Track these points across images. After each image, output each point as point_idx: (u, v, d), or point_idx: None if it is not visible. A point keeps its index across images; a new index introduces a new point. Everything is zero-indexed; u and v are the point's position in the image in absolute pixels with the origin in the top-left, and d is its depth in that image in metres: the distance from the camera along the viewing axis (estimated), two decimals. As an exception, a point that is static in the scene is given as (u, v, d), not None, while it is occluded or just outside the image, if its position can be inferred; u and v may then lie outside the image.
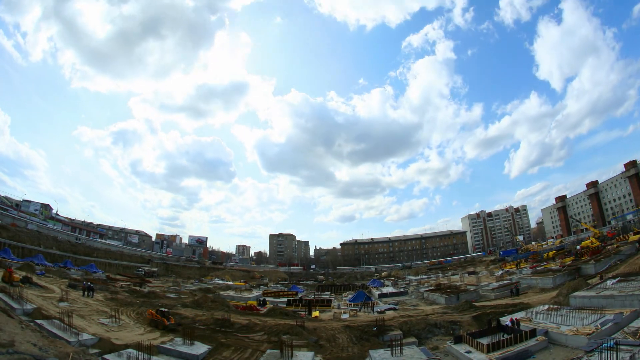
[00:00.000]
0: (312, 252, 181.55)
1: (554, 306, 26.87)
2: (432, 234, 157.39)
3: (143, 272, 74.95)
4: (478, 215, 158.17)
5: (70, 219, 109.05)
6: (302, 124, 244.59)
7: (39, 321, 18.49)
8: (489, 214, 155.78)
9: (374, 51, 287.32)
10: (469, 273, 78.13)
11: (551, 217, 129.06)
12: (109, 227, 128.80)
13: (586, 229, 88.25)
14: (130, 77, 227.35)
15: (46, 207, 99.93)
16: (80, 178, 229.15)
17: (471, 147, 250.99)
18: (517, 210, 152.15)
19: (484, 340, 19.55)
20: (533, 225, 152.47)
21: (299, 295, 54.92)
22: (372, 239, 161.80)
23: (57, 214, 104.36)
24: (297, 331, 25.84)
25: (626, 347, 14.76)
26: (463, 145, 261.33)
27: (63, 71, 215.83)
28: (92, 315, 24.80)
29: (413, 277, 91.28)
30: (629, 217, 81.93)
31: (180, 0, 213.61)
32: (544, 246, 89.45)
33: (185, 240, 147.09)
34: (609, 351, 14.06)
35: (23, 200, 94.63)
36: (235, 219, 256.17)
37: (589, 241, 62.66)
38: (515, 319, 23.20)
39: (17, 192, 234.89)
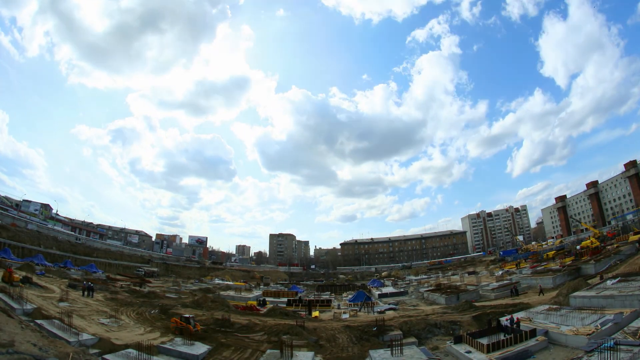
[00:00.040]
0: (312, 252, 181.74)
1: (554, 306, 26.86)
2: (432, 234, 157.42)
3: (143, 272, 74.93)
4: (478, 215, 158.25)
5: (70, 219, 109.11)
6: (304, 121, 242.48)
7: (39, 321, 18.48)
8: (489, 214, 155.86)
9: (379, 46, 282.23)
10: (469, 273, 78.12)
11: (551, 217, 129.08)
12: (109, 227, 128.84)
13: (586, 229, 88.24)
14: (128, 72, 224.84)
15: (46, 207, 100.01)
16: (79, 177, 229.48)
17: (474, 146, 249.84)
18: (517, 210, 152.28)
19: (484, 340, 19.54)
20: (533, 225, 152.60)
21: (299, 295, 54.90)
22: (372, 239, 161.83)
23: (57, 214, 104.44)
24: (297, 331, 25.84)
25: (626, 347, 14.75)
26: (466, 143, 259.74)
27: (60, 67, 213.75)
28: (92, 315, 24.80)
29: (413, 277, 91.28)
30: (629, 217, 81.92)
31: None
32: (544, 246, 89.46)
33: (185, 240, 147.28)
34: (609, 351, 14.05)
35: (23, 200, 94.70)
36: (236, 219, 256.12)
37: (589, 241, 62.60)
38: (516, 318, 23.19)
39: (17, 191, 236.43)
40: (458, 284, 57.00)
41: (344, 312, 38.52)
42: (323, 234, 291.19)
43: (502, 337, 20.33)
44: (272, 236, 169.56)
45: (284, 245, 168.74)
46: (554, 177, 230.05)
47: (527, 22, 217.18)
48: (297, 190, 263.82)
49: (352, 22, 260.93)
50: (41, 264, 49.78)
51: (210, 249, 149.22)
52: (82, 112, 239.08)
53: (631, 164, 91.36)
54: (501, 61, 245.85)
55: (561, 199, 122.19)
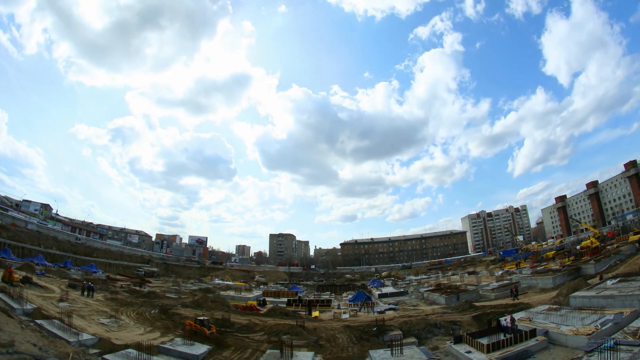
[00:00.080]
0: (312, 252, 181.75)
1: (554, 306, 26.87)
2: (432, 234, 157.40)
3: (143, 272, 74.92)
4: (478, 215, 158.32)
5: (70, 219, 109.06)
6: (305, 120, 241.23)
7: (39, 321, 18.49)
8: (489, 214, 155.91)
9: (382, 43, 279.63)
10: (469, 273, 78.11)
11: (551, 217, 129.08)
12: (109, 227, 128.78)
13: (586, 229, 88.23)
14: (127, 70, 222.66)
15: (46, 207, 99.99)
16: (79, 177, 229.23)
17: (476, 145, 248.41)
18: (517, 210, 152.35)
19: (484, 340, 19.55)
20: (533, 225, 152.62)
21: (299, 295, 54.91)
22: (372, 239, 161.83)
23: (57, 214, 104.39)
24: (297, 331, 25.85)
25: (626, 347, 14.76)
26: (468, 142, 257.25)
27: (58, 65, 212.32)
28: (92, 315, 24.80)
29: (413, 277, 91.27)
30: (629, 217, 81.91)
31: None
32: (544, 246, 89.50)
33: (185, 240, 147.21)
34: (609, 351, 14.06)
35: (23, 200, 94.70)
36: (236, 219, 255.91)
37: (588, 241, 62.63)
38: (510, 317, 23.21)
39: (16, 191, 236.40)
40: (458, 284, 56.99)
41: (344, 312, 38.52)
42: (323, 234, 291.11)
43: (502, 337, 20.34)
44: (272, 236, 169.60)
45: (284, 245, 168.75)
46: (555, 176, 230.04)
47: (530, 19, 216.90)
48: (297, 190, 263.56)
49: (354, 19, 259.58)
50: (41, 264, 49.77)
51: (210, 249, 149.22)
52: (80, 110, 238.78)
53: (631, 164, 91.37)
54: (504, 59, 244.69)
55: (561, 199, 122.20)
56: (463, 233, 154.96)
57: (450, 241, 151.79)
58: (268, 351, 20.97)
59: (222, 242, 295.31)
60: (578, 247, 63.35)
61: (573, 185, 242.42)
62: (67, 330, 18.19)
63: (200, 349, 20.11)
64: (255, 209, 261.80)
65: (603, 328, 18.48)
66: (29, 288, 27.34)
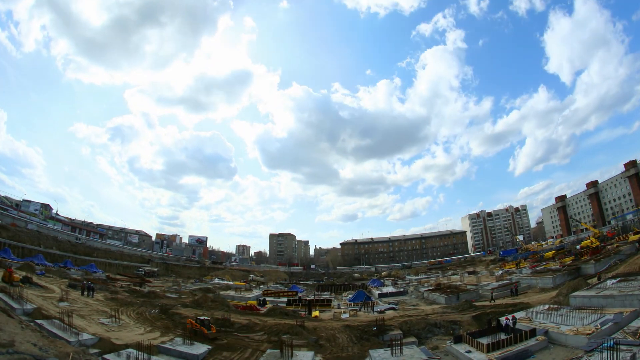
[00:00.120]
0: (312, 252, 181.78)
1: (554, 306, 26.88)
2: (432, 234, 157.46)
3: (143, 272, 74.96)
4: (478, 215, 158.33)
5: (70, 219, 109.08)
6: (305, 118, 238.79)
7: (39, 321, 18.50)
8: (489, 214, 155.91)
9: (384, 41, 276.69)
10: (469, 273, 78.15)
11: (551, 217, 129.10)
12: (109, 227, 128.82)
13: (586, 228, 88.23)
14: (127, 67, 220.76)
15: (46, 207, 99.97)
16: (78, 176, 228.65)
17: (478, 143, 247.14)
18: (517, 210, 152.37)
19: (484, 340, 19.56)
20: (533, 225, 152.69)
21: (299, 295, 54.93)
22: (372, 238, 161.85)
23: (57, 214, 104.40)
24: (297, 331, 25.87)
25: (626, 347, 14.76)
26: (470, 141, 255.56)
27: (56, 62, 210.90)
28: (92, 315, 24.82)
29: (413, 277, 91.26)
30: (629, 217, 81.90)
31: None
32: (544, 246, 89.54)
33: (185, 240, 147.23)
34: (608, 351, 14.06)
35: (23, 200, 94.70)
36: (236, 218, 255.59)
37: (588, 241, 62.66)
38: (507, 318, 23.24)
39: (16, 191, 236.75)
40: (458, 283, 57.00)
41: (344, 312, 38.52)
42: (324, 234, 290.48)
43: (502, 336, 20.35)
44: (272, 236, 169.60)
45: (284, 245, 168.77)
46: (556, 176, 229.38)
47: (533, 17, 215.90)
48: (298, 189, 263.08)
49: (357, 15, 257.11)
50: (41, 264, 49.81)
51: (210, 249, 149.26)
52: (79, 109, 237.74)
53: (631, 164, 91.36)
54: (506, 57, 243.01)
55: (561, 198, 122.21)
56: (463, 233, 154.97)
57: (450, 241, 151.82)
58: (268, 351, 20.98)
59: (222, 241, 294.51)
60: (578, 246, 63.37)
61: (574, 185, 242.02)
62: (67, 330, 18.20)
63: (201, 348, 20.12)
64: (255, 208, 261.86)
65: (603, 328, 18.48)
66: (29, 288, 27.38)
